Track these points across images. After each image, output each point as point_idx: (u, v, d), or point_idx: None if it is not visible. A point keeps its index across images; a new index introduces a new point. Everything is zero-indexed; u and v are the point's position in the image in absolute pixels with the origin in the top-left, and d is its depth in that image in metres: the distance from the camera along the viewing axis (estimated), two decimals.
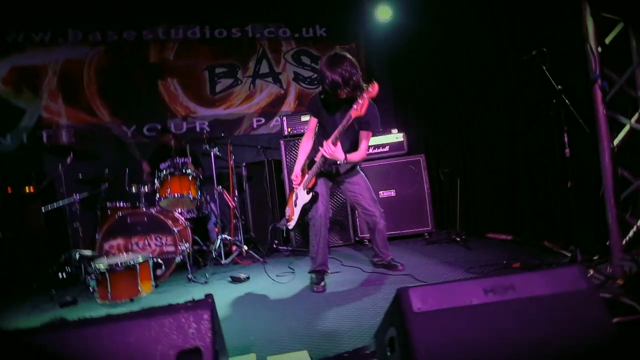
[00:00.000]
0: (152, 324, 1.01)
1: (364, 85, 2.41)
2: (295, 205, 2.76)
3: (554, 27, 2.87)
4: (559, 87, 2.51)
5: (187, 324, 1.02)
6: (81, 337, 0.97)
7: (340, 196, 4.02)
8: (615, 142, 2.36)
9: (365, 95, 2.25)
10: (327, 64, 2.39)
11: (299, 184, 2.71)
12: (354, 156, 2.57)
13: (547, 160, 3.01)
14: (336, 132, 2.42)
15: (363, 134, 2.62)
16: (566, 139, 2.49)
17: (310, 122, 2.78)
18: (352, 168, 2.78)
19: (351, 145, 2.64)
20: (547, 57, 2.55)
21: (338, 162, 2.51)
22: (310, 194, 2.64)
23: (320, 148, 2.53)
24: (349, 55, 2.42)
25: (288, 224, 2.86)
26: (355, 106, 2.27)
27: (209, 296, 1.10)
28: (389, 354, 1.29)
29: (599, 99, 2.32)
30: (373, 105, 2.52)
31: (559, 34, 2.82)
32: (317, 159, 2.59)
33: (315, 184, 2.66)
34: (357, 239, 4.08)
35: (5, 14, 4.39)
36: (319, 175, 2.67)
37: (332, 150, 2.40)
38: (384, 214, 2.84)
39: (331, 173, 2.74)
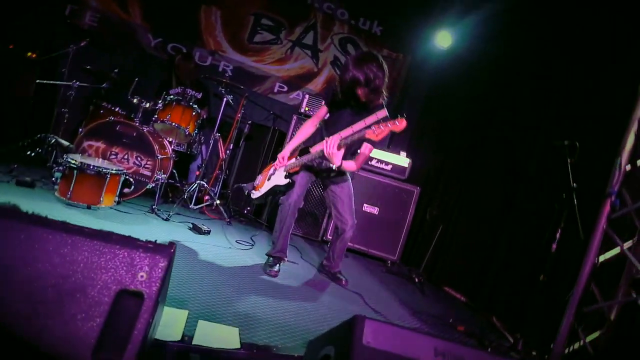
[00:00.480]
0: (106, 250, 0.95)
1: (385, 95, 2.44)
2: (269, 179, 2.70)
3: (594, 123, 2.85)
4: (574, 185, 2.51)
5: (140, 265, 0.96)
6: (30, 234, 0.91)
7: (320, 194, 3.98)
8: (601, 258, 2.38)
9: (389, 124, 2.14)
10: (354, 58, 2.36)
11: (282, 165, 2.61)
12: (349, 165, 2.48)
13: (530, 245, 3.03)
14: (344, 138, 2.30)
15: (366, 146, 2.50)
16: (558, 236, 2.50)
17: (320, 110, 2.70)
18: (343, 178, 2.71)
19: (350, 153, 2.56)
20: (576, 152, 2.55)
21: (331, 166, 2.41)
22: (288, 180, 2.57)
23: (323, 140, 2.42)
24: (380, 58, 2.37)
25: (253, 192, 2.80)
26: (374, 129, 2.16)
27: (172, 245, 1.04)
28: None
29: (606, 212, 2.33)
30: None
31: (595, 130, 2.80)
32: (313, 150, 2.50)
33: (297, 172, 2.58)
34: (324, 238, 4.06)
35: None
36: (305, 167, 2.59)
37: (333, 152, 2.29)
38: (355, 225, 2.76)
39: (319, 170, 2.66)
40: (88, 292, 0.90)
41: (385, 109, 2.40)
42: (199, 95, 3.69)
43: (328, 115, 2.68)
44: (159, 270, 0.98)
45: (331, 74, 5.14)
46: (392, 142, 5.02)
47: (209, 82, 4.14)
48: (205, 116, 3.93)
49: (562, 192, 2.55)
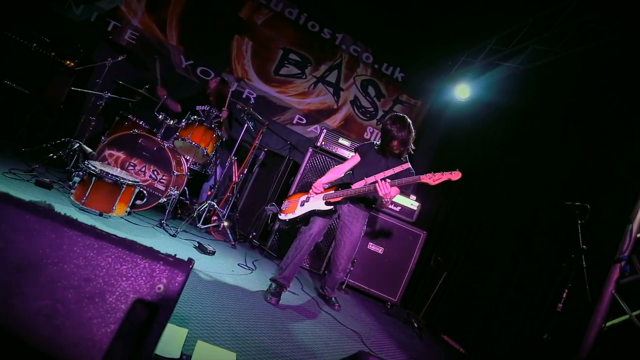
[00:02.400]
0: (129, 258, 0.98)
1: (411, 149, 2.81)
2: (302, 205, 2.80)
3: (609, 186, 2.88)
4: (584, 247, 2.51)
5: (158, 278, 0.98)
6: (60, 233, 0.94)
7: (331, 225, 3.98)
8: (608, 323, 2.33)
9: (445, 174, 2.38)
10: (394, 121, 2.69)
11: (317, 193, 2.75)
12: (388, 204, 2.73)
13: (534, 302, 2.97)
14: (401, 181, 2.48)
15: (396, 190, 2.67)
16: (564, 296, 2.47)
17: (352, 158, 2.94)
18: (363, 215, 2.85)
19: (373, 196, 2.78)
20: (587, 214, 2.57)
21: (385, 201, 2.58)
22: (330, 206, 2.68)
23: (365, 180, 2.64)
24: (409, 120, 2.73)
25: (281, 214, 2.89)
26: (430, 175, 2.39)
27: (190, 261, 1.07)
28: None
29: (614, 277, 2.31)
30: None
31: (609, 194, 2.82)
32: (355, 186, 2.64)
33: (338, 203, 2.72)
34: (326, 271, 4.02)
35: None
36: (345, 199, 2.74)
37: (389, 190, 2.46)
38: (347, 272, 2.96)
39: (349, 199, 2.79)
40: (107, 298, 0.93)
41: (408, 163, 2.73)
42: (225, 118, 3.80)
43: (357, 165, 2.88)
44: (177, 284, 1.00)
45: (350, 112, 5.29)
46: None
47: (232, 107, 4.28)
48: (225, 138, 4.04)
49: (571, 252, 2.54)
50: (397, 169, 2.66)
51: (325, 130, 4.20)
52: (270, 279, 2.74)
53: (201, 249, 3.02)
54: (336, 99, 5.24)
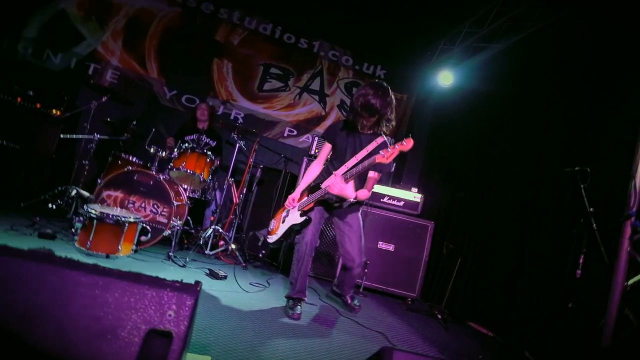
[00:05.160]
0: (135, 290, 0.97)
1: (391, 124, 2.52)
2: (283, 221, 2.69)
3: (605, 148, 2.87)
4: (591, 209, 2.49)
5: (168, 305, 0.97)
6: (63, 276, 0.93)
7: (331, 233, 3.96)
8: (630, 282, 2.29)
9: (397, 146, 2.18)
10: (375, 88, 2.41)
11: (294, 205, 2.63)
12: (362, 194, 2.50)
13: (553, 273, 2.94)
14: (350, 170, 2.36)
15: (373, 175, 2.55)
16: (581, 261, 2.44)
17: (323, 148, 2.74)
18: (354, 208, 2.71)
19: (359, 182, 2.58)
20: (588, 177, 2.55)
21: (350, 200, 2.44)
22: (304, 217, 2.55)
23: (329, 177, 2.48)
24: (391, 93, 2.48)
25: (269, 236, 2.79)
26: (383, 153, 2.20)
27: (197, 284, 1.06)
28: None
29: (627, 235, 2.28)
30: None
31: (607, 156, 2.81)
32: (323, 185, 2.50)
33: (311, 209, 2.58)
34: (342, 271, 3.99)
35: None
36: (319, 202, 2.59)
37: (342, 187, 2.34)
38: (363, 264, 2.76)
39: (331, 204, 2.66)
40: (118, 333, 0.91)
41: (383, 136, 2.48)
42: (214, 143, 3.82)
43: (332, 152, 2.73)
44: (187, 308, 0.99)
45: (338, 116, 5.31)
46: (402, 179, 5.07)
47: (221, 131, 4.30)
48: (218, 163, 4.05)
49: (579, 217, 2.52)
50: (371, 147, 2.44)
51: (316, 138, 4.19)
52: (285, 297, 2.71)
53: (212, 274, 3.00)
54: (323, 106, 5.26)
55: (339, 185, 2.35)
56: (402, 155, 2.41)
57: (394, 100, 2.48)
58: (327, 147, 2.71)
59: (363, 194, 2.51)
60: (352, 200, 2.44)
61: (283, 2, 5.02)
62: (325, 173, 2.66)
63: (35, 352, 0.86)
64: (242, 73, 5.04)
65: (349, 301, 2.98)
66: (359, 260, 2.70)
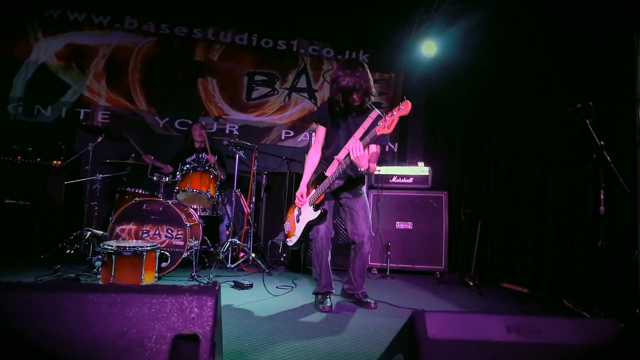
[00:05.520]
0: (154, 301, 0.97)
1: (375, 92, 2.46)
2: (298, 220, 2.62)
3: (605, 83, 2.80)
4: (602, 142, 2.43)
5: (189, 308, 0.97)
6: (81, 301, 0.94)
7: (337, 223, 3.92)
8: None
9: (395, 112, 2.12)
10: (342, 68, 2.39)
11: (304, 202, 2.57)
12: (373, 167, 2.42)
13: (577, 216, 2.88)
14: (367, 138, 2.25)
15: (374, 147, 2.50)
16: (602, 197, 2.38)
17: (318, 133, 2.65)
18: (359, 190, 2.65)
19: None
20: (592, 112, 2.49)
21: (360, 170, 2.33)
22: (319, 210, 2.48)
23: (335, 161, 2.43)
24: (364, 63, 2.44)
25: (288, 240, 2.71)
26: (382, 123, 2.15)
27: (215, 283, 1.05)
28: None
29: None
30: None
31: (609, 90, 2.74)
32: (328, 173, 2.46)
33: (323, 200, 2.51)
34: (352, 251, 3.96)
35: None
36: (330, 192, 2.54)
37: (361, 154, 2.22)
38: (373, 238, 2.64)
39: (338, 189, 2.61)
40: (145, 344, 0.91)
41: (376, 109, 2.42)
42: (214, 159, 3.84)
43: (326, 137, 2.65)
44: (209, 309, 0.98)
45: None
46: (407, 157, 5.03)
47: (220, 146, 4.32)
48: (223, 177, 4.06)
49: (592, 153, 2.46)
50: (367, 124, 2.37)
51: (313, 134, 4.18)
52: (313, 293, 2.69)
53: (238, 285, 3.00)
54: (314, 102, 5.25)
55: (358, 151, 2.22)
56: (402, 124, 2.36)
57: (367, 70, 2.40)
58: (322, 130, 2.64)
59: (373, 166, 2.44)
60: (364, 171, 2.32)
61: (254, 10, 5.03)
62: (325, 160, 2.62)
63: None
64: (228, 87, 5.05)
65: (363, 298, 2.68)
66: (368, 233, 2.58)
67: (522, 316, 1.07)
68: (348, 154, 2.30)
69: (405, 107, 2.11)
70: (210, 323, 0.96)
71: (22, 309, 0.93)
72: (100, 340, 0.91)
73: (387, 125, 2.13)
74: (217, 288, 1.03)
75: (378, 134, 2.17)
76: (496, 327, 1.02)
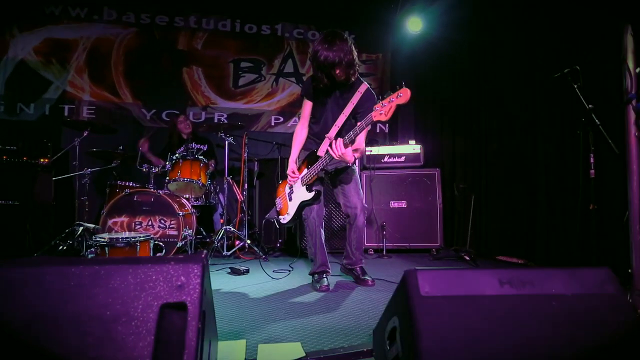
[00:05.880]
0: (139, 271, 0.94)
1: (359, 63, 2.36)
2: (290, 199, 2.59)
3: (589, 46, 2.79)
4: (590, 106, 2.42)
5: (175, 276, 0.95)
6: (62, 274, 0.91)
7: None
8: None
9: (393, 99, 2.02)
10: (320, 42, 2.27)
11: (296, 179, 2.53)
12: (359, 152, 2.39)
13: (568, 181, 2.89)
14: (348, 135, 2.21)
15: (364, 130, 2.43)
16: (592, 160, 2.38)
17: (304, 107, 2.57)
18: (349, 167, 2.61)
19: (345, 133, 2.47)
20: (579, 76, 2.47)
21: (347, 164, 2.37)
22: (312, 192, 2.46)
23: (324, 143, 2.39)
24: (344, 34, 2.31)
25: (281, 217, 2.68)
26: (379, 109, 2.06)
27: (202, 251, 1.03)
28: (387, 347, 1.20)
29: (632, 120, 2.21)
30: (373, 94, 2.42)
31: (593, 52, 2.73)
32: (321, 153, 2.41)
33: (316, 180, 2.48)
34: (347, 225, 3.96)
35: None
36: (323, 171, 2.49)
37: (343, 152, 2.19)
38: (366, 210, 2.61)
39: (330, 171, 2.57)
40: (132, 314, 0.89)
41: (364, 82, 2.36)
42: (205, 148, 3.79)
43: (313, 112, 2.59)
44: (195, 277, 0.96)
45: None
46: (398, 136, 5.01)
47: (209, 134, 4.27)
48: (213, 166, 4.02)
49: (580, 117, 2.45)
50: (356, 99, 2.30)
51: None
52: (309, 274, 2.69)
53: (234, 271, 2.99)
54: (302, 86, 5.19)
55: (339, 150, 2.21)
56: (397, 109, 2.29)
57: (347, 42, 2.28)
58: (308, 104, 2.57)
59: (359, 152, 2.40)
60: (350, 164, 2.35)
61: None
62: (314, 136, 2.58)
63: (55, 348, 0.84)
64: (214, 75, 4.98)
65: (361, 274, 2.66)
66: (360, 204, 2.55)
67: (514, 269, 1.07)
68: (327, 152, 2.27)
69: (405, 95, 1.99)
70: (197, 290, 0.94)
71: (2, 284, 0.90)
72: (84, 313, 0.88)
73: (385, 112, 2.03)
74: (203, 256, 1.00)
75: (374, 119, 2.10)
76: (488, 281, 1.02)
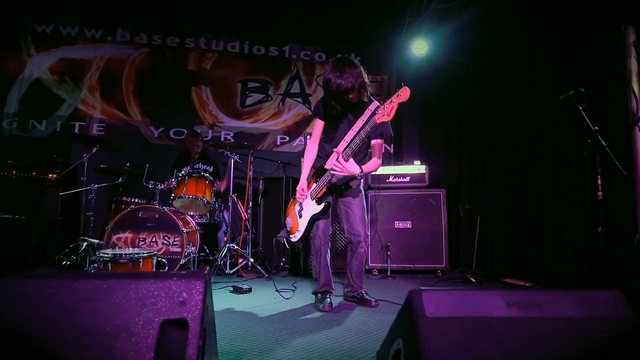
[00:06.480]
0: (141, 286, 0.94)
1: (369, 83, 2.43)
2: (300, 216, 2.59)
3: (594, 68, 2.80)
4: (595, 127, 2.42)
5: (177, 292, 0.94)
6: (64, 287, 0.91)
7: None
8: None
9: (394, 99, 2.07)
10: (332, 70, 2.35)
11: (305, 196, 2.55)
12: (370, 166, 2.42)
13: (576, 204, 2.86)
14: (352, 145, 2.27)
15: (376, 142, 2.48)
16: (599, 181, 2.36)
17: (316, 126, 2.63)
18: (358, 187, 2.63)
19: (363, 156, 2.54)
20: (584, 98, 2.48)
21: (357, 176, 2.39)
22: (322, 204, 2.47)
23: (330, 158, 2.41)
24: (352, 59, 2.40)
25: (291, 236, 2.67)
26: (381, 111, 2.11)
27: (204, 268, 1.02)
28: None
29: (639, 141, 2.21)
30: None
31: (598, 75, 2.75)
32: (328, 166, 2.42)
33: (325, 193, 2.49)
34: (365, 267, 3.91)
35: (64, 9, 4.72)
36: (331, 185, 2.50)
37: (343, 166, 2.27)
38: (369, 239, 2.65)
39: (339, 186, 2.58)
40: (132, 329, 0.88)
41: (374, 100, 2.40)
42: (210, 169, 3.83)
43: (325, 131, 2.63)
44: (197, 293, 0.95)
45: None
46: (403, 157, 5.02)
47: (215, 155, 4.31)
48: (222, 189, 4.05)
49: (586, 139, 2.45)
50: (366, 116, 2.32)
51: (308, 137, 4.18)
52: (312, 293, 2.66)
53: (237, 290, 2.95)
54: (308, 106, 5.26)
55: (340, 166, 2.28)
56: (397, 124, 2.34)
57: (357, 66, 2.36)
58: (320, 123, 2.62)
59: (373, 164, 2.44)
60: (358, 175, 2.37)
61: (244, 17, 5.07)
62: (326, 157, 2.57)
63: None
64: (222, 94, 5.07)
65: (364, 296, 2.64)
66: (364, 233, 2.58)
67: (522, 291, 1.05)
68: (330, 170, 2.33)
69: (404, 93, 2.05)
70: (199, 307, 0.93)
71: (5, 296, 0.90)
72: (85, 326, 0.88)
73: (387, 112, 2.09)
74: (205, 272, 1.00)
75: (378, 122, 2.14)
76: (495, 303, 1.00)
